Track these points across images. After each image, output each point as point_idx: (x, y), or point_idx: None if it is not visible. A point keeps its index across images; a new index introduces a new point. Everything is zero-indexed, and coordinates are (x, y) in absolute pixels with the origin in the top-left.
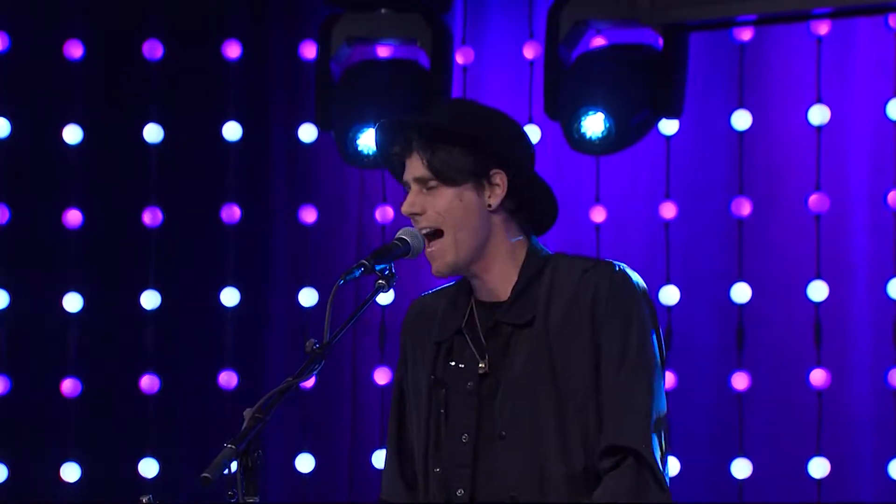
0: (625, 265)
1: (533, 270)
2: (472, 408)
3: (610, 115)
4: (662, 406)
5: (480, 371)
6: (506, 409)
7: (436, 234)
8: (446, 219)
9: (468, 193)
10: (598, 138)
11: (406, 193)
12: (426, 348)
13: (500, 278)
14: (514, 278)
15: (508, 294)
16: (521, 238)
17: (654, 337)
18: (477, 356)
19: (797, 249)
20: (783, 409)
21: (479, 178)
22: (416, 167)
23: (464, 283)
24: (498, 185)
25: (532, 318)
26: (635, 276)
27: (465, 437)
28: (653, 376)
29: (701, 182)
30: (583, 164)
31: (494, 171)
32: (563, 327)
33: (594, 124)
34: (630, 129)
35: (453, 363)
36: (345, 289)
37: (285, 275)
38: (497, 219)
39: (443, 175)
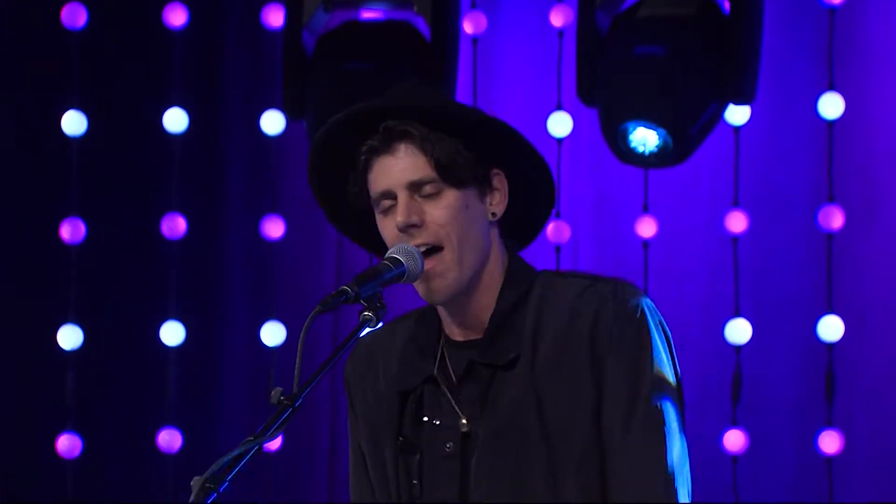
0: (629, 283)
1: (515, 295)
2: (454, 477)
3: (665, 126)
4: (685, 457)
5: (463, 430)
6: (482, 472)
7: (433, 249)
8: (449, 232)
9: (473, 200)
10: (653, 153)
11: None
12: (383, 398)
13: (480, 309)
14: (493, 306)
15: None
16: (505, 255)
17: (672, 371)
18: (457, 410)
19: None
20: (885, 477)
21: (482, 181)
22: (410, 167)
23: (427, 317)
24: (498, 189)
25: (515, 358)
26: (642, 296)
27: None
28: (670, 424)
29: (779, 186)
30: (627, 165)
31: (495, 170)
32: (553, 367)
33: (646, 137)
34: (691, 137)
35: (426, 419)
36: (321, 323)
37: (244, 305)
38: (494, 233)
39: (450, 174)
